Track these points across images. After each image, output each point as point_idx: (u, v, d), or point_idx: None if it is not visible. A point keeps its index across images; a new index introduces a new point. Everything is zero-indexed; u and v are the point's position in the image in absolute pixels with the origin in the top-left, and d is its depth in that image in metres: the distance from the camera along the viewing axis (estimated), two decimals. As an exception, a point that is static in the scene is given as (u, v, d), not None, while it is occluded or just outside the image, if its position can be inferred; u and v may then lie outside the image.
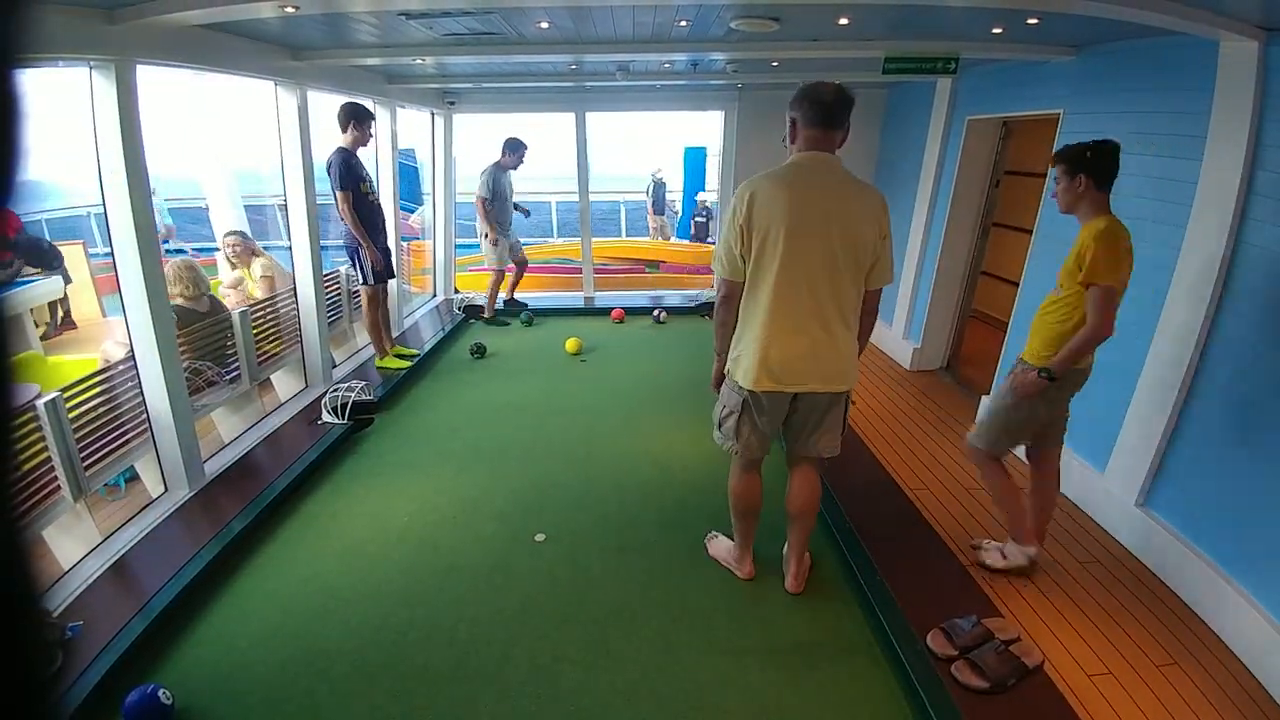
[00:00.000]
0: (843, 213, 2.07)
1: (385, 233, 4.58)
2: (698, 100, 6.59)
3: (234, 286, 4.85)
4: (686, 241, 10.47)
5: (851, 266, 2.10)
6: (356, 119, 4.18)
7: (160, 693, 1.89)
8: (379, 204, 4.52)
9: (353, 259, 4.42)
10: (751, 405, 2.22)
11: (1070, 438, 3.19)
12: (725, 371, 2.30)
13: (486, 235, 6.00)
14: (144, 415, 2.91)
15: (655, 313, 6.23)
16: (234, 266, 5.00)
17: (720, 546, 2.69)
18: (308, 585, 2.52)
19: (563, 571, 2.61)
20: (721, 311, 2.25)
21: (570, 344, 5.19)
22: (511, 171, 6.03)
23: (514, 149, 5.91)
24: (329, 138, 4.20)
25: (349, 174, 4.14)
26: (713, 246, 8.63)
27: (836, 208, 2.06)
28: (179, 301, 3.68)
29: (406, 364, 4.72)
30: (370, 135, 4.31)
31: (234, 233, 5.13)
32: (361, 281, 4.48)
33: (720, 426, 2.35)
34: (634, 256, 9.73)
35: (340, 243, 4.57)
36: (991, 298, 5.93)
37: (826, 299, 2.10)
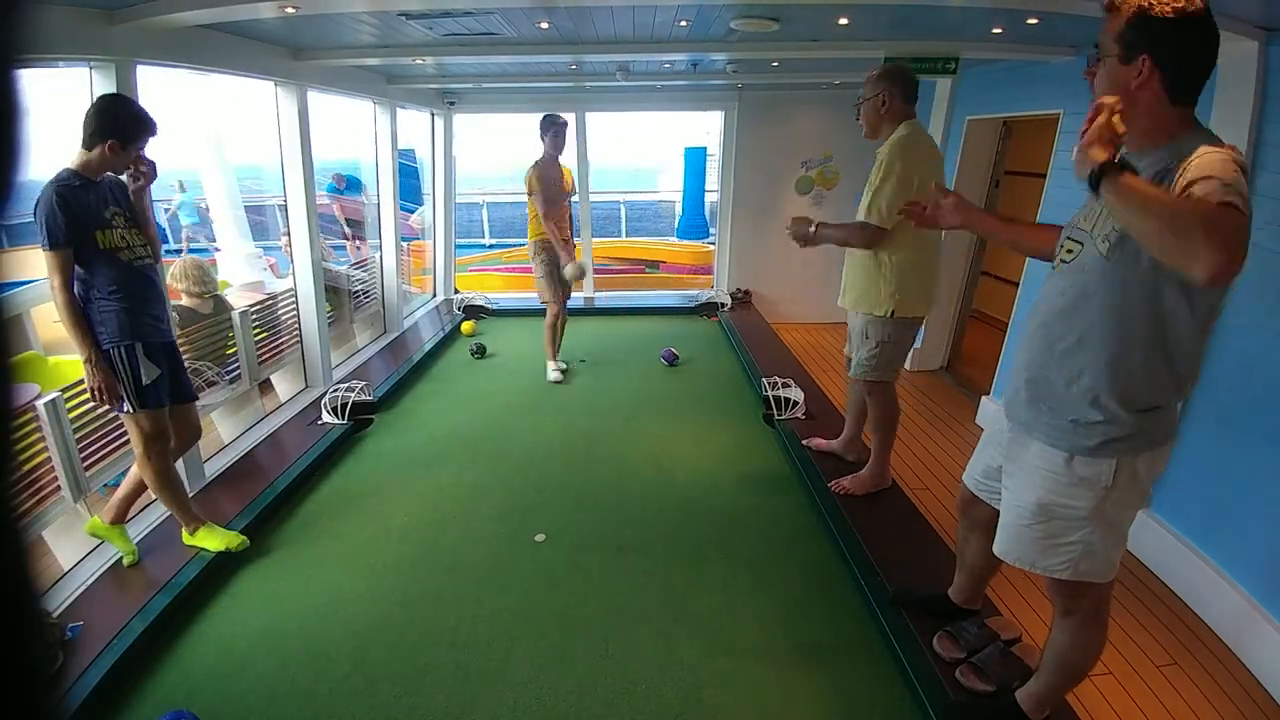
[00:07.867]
0: None
1: (162, 308, 2.42)
2: (698, 100, 6.59)
3: None
4: (688, 241, 10.45)
5: None
6: (120, 132, 2.18)
7: None
8: (147, 266, 2.34)
9: (117, 357, 2.27)
10: None
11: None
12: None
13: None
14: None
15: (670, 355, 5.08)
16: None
17: None
18: (308, 585, 2.52)
19: (563, 571, 2.61)
20: None
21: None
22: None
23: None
24: (328, 138, 3.77)
25: (68, 218, 2.11)
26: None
27: None
28: (183, 300, 3.68)
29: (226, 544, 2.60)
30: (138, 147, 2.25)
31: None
32: (127, 405, 2.32)
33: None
34: (634, 256, 9.72)
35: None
36: (991, 298, 5.92)
37: None
